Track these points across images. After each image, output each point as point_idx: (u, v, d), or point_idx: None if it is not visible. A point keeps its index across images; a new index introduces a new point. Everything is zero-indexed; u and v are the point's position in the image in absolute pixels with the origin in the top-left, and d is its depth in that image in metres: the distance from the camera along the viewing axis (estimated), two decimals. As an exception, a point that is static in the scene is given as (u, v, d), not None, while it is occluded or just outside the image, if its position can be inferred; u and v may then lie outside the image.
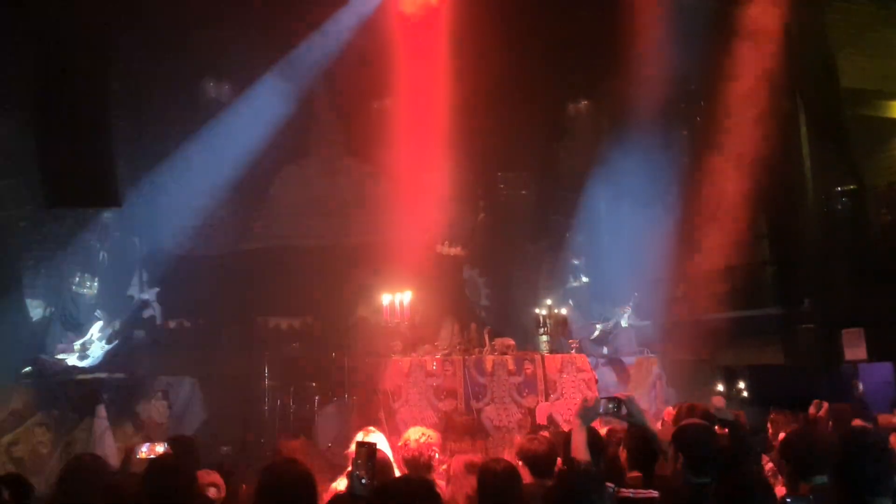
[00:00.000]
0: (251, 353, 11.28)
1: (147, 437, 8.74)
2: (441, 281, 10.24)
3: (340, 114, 13.58)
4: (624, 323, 12.06)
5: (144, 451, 4.95)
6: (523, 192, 14.24)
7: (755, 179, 10.90)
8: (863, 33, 11.99)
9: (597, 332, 11.78)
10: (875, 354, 10.05)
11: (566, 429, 5.63)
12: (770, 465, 5.27)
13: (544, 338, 8.86)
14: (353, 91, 12.76)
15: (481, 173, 13.68)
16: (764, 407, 8.06)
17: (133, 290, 11.17)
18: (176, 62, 11.27)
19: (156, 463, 4.27)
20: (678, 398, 9.29)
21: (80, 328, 10.37)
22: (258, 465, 4.31)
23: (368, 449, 3.70)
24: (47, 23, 9.42)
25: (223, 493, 4.73)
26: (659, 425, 5.73)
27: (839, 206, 11.74)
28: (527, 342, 9.33)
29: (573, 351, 9.05)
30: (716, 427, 4.71)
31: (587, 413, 4.59)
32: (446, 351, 8.60)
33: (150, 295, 11.04)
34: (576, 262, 13.17)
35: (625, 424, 4.97)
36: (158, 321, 11.33)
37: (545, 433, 5.49)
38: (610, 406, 4.57)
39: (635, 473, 4.57)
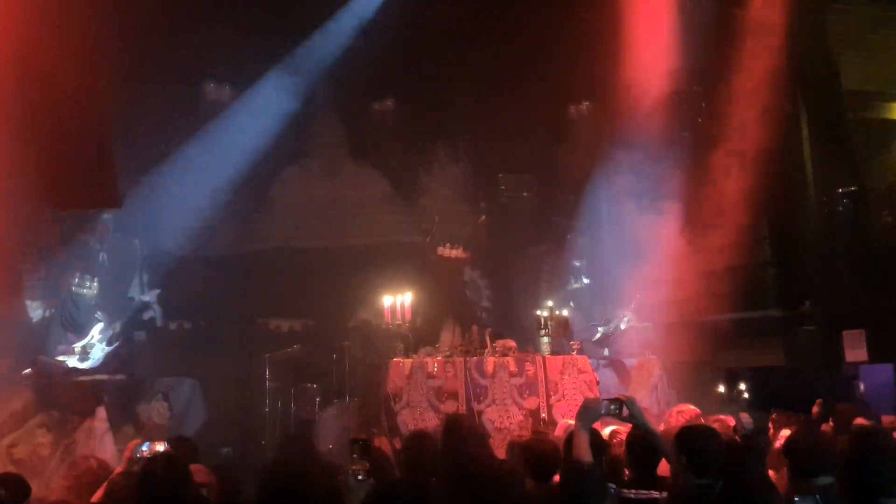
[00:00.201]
0: (252, 355, 11.26)
1: (147, 438, 8.68)
2: (442, 283, 10.23)
3: (341, 115, 13.58)
4: (624, 325, 12.04)
5: (145, 451, 4.94)
6: (525, 193, 14.24)
7: (756, 181, 10.91)
8: (864, 35, 11.99)
9: (598, 334, 11.75)
10: (876, 356, 10.05)
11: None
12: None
13: (545, 339, 8.86)
14: (353, 92, 12.76)
15: (483, 175, 13.68)
16: (765, 408, 8.05)
17: (133, 292, 11.13)
18: (176, 63, 11.26)
19: (152, 461, 4.27)
20: (679, 400, 9.27)
21: (80, 329, 10.33)
22: (259, 467, 4.30)
23: (363, 445, 3.69)
24: (48, 24, 9.41)
25: (213, 495, 4.71)
26: (661, 427, 5.73)
27: (840, 208, 11.73)
28: (528, 344, 9.32)
29: (574, 352, 9.05)
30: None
31: (589, 414, 4.58)
32: (447, 353, 8.60)
33: (150, 296, 10.99)
34: (577, 263, 13.14)
35: (627, 426, 4.95)
36: (159, 323, 11.30)
37: (546, 434, 5.48)
38: (612, 407, 4.56)
39: (635, 475, 4.56)
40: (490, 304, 13.44)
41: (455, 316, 9.97)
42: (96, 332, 10.21)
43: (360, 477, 3.60)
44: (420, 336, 9.02)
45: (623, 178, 12.39)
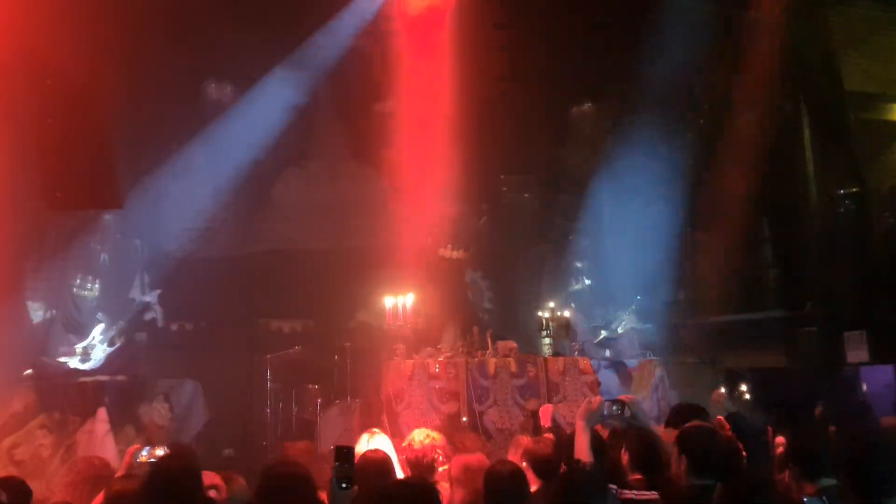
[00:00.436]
0: (253, 356, 11.26)
1: (148, 439, 8.72)
2: (443, 284, 10.22)
3: (343, 116, 13.58)
4: (625, 326, 12.04)
5: (145, 455, 4.93)
6: (526, 195, 14.24)
7: (758, 182, 10.91)
8: (866, 37, 12.00)
9: (599, 336, 11.76)
10: (877, 357, 10.05)
11: (569, 431, 5.62)
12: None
13: (547, 340, 8.86)
14: (355, 93, 12.76)
15: (484, 176, 13.67)
16: (766, 410, 8.06)
17: (134, 293, 11.15)
18: (178, 63, 11.27)
19: (160, 466, 4.25)
20: (680, 401, 9.27)
21: (81, 331, 10.35)
22: (260, 468, 4.29)
23: (347, 453, 3.68)
24: (49, 24, 9.42)
25: (224, 495, 4.71)
26: (661, 428, 5.72)
27: (842, 210, 11.73)
28: (529, 345, 9.31)
29: (576, 354, 9.05)
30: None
31: (590, 415, 4.58)
32: (449, 354, 8.59)
33: (151, 297, 11.02)
34: (578, 264, 13.14)
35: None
36: (160, 324, 11.32)
37: (549, 435, 5.48)
38: (613, 408, 4.57)
39: (637, 476, 4.56)
40: (491, 306, 13.44)
41: (456, 317, 9.96)
42: (97, 333, 10.23)
43: (343, 484, 3.59)
44: (421, 337, 9.01)
45: (625, 179, 12.38)
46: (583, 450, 4.39)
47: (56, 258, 10.65)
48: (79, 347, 10.12)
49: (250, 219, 13.13)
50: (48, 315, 10.61)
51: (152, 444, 5.50)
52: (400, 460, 5.12)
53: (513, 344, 8.72)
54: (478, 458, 4.67)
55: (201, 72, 12.27)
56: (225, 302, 11.98)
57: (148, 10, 10.19)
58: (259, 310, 12.53)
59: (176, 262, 11.63)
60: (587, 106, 13.99)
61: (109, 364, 10.08)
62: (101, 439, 8.90)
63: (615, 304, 12.35)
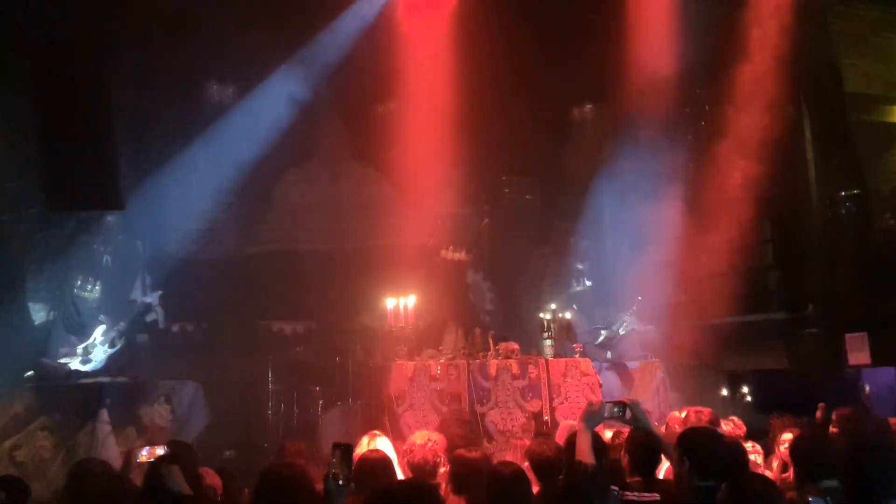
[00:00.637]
0: (254, 358, 11.27)
1: (150, 441, 8.70)
2: (445, 285, 10.23)
3: (344, 117, 13.59)
4: (626, 328, 12.03)
5: (145, 455, 4.94)
6: (528, 196, 14.25)
7: (759, 184, 10.91)
8: (867, 38, 11.99)
9: (601, 337, 11.75)
10: (879, 359, 10.03)
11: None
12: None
13: (548, 342, 8.85)
14: (357, 94, 12.77)
15: (486, 178, 13.68)
16: (768, 412, 8.04)
17: (136, 294, 11.16)
18: (179, 65, 11.28)
19: (156, 466, 4.25)
20: (682, 403, 9.27)
21: (82, 332, 10.35)
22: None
23: (345, 450, 3.68)
24: (50, 25, 9.43)
25: (220, 493, 4.71)
26: (663, 429, 5.72)
27: (843, 211, 11.70)
28: (531, 346, 9.31)
29: (577, 355, 9.04)
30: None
31: (592, 417, 4.58)
32: (450, 355, 8.59)
33: (153, 298, 11.02)
34: (580, 266, 13.15)
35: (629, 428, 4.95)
36: (161, 325, 11.33)
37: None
38: (615, 410, 4.57)
39: (636, 478, 4.56)
40: (493, 307, 13.45)
41: (458, 318, 9.96)
42: (98, 334, 10.23)
43: (340, 482, 3.60)
44: (423, 338, 9.01)
45: (626, 180, 12.38)
46: (584, 451, 4.39)
47: (58, 259, 10.65)
48: (80, 349, 10.12)
49: (252, 220, 13.14)
50: (49, 316, 10.61)
51: (153, 444, 5.51)
52: (401, 463, 5.12)
53: (514, 345, 8.72)
54: (479, 459, 4.66)
55: (203, 73, 12.28)
56: (226, 303, 11.99)
57: (150, 10, 10.20)
58: (260, 311, 12.54)
59: (177, 263, 11.64)
60: (588, 107, 14.00)
61: (111, 365, 10.07)
62: (102, 440, 8.89)
63: (616, 306, 12.34)
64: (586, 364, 8.71)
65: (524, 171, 14.21)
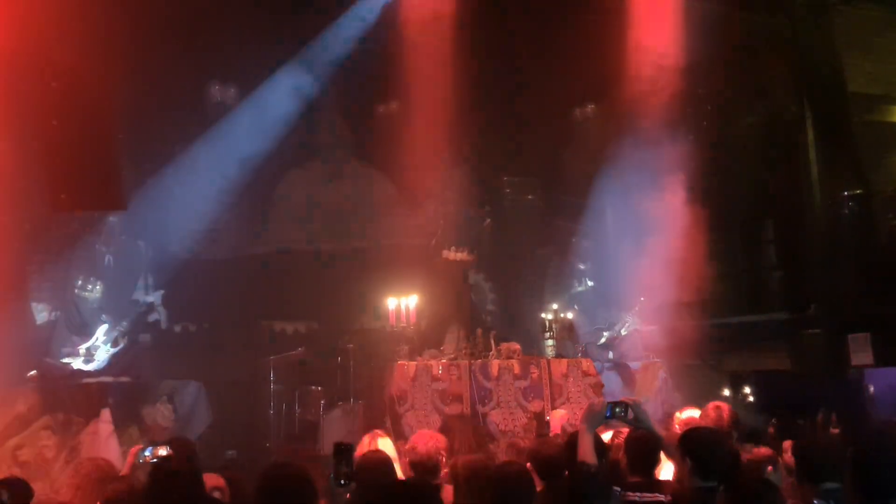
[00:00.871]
0: (256, 358, 11.27)
1: (152, 440, 8.70)
2: (447, 285, 10.22)
3: (346, 117, 13.59)
4: (628, 328, 12.02)
5: (148, 455, 4.94)
6: (529, 196, 14.25)
7: (762, 184, 10.90)
8: (870, 38, 11.98)
9: (602, 337, 11.75)
10: (882, 360, 10.02)
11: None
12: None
13: (550, 342, 8.87)
14: (358, 94, 12.78)
15: (487, 178, 13.68)
16: (770, 412, 8.04)
17: (138, 294, 11.15)
18: (182, 65, 11.28)
19: (161, 466, 4.25)
20: (684, 403, 9.26)
21: (84, 332, 10.36)
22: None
23: (347, 450, 3.69)
24: (54, 26, 9.44)
25: (227, 497, 4.71)
26: (664, 430, 5.71)
27: (846, 211, 11.70)
28: (532, 347, 9.32)
29: (579, 355, 9.05)
30: None
31: (594, 417, 4.58)
32: (452, 355, 8.59)
33: (155, 298, 11.01)
34: (581, 266, 13.14)
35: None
36: (164, 325, 11.32)
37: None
38: (617, 410, 4.56)
39: (636, 478, 4.56)
40: (494, 307, 13.45)
41: (460, 319, 9.97)
42: (101, 334, 10.23)
43: (342, 481, 3.61)
44: (425, 338, 9.02)
45: (627, 180, 12.37)
46: (586, 451, 4.39)
47: (60, 259, 10.66)
48: (82, 348, 10.12)
49: (254, 220, 13.15)
50: (52, 316, 10.62)
51: (156, 444, 5.51)
52: (403, 463, 5.12)
53: (516, 346, 8.73)
54: (481, 459, 4.67)
55: (205, 73, 12.29)
56: (228, 303, 11.99)
57: (153, 12, 10.20)
58: (262, 311, 12.54)
59: (180, 263, 11.64)
60: (590, 107, 13.99)
61: (113, 365, 10.08)
62: (104, 440, 8.90)
63: (618, 306, 12.34)
64: (588, 364, 8.72)
65: (526, 172, 14.20)
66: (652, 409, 9.05)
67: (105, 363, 10.10)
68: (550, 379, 8.33)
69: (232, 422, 10.62)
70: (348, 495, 3.71)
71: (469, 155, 12.38)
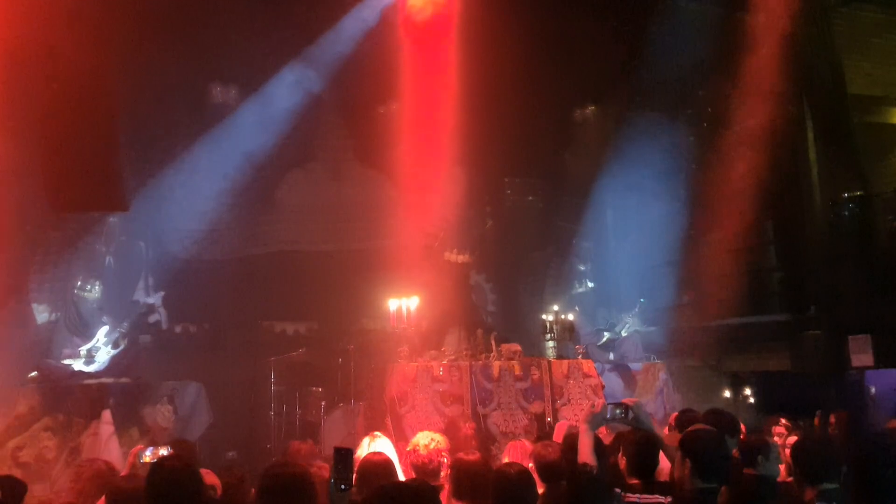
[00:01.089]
0: (257, 358, 11.28)
1: (153, 441, 8.72)
2: (448, 287, 10.22)
3: (347, 118, 13.60)
4: (629, 329, 12.04)
5: (148, 455, 4.94)
6: (530, 198, 14.27)
7: (762, 186, 10.90)
8: (869, 40, 11.98)
9: (603, 338, 11.76)
10: (882, 361, 10.02)
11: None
12: None
13: (551, 343, 8.87)
14: (359, 95, 12.78)
15: (488, 179, 13.69)
16: (770, 413, 8.05)
17: (139, 295, 11.16)
18: (183, 66, 11.29)
19: (160, 465, 4.25)
20: (685, 404, 9.28)
21: (84, 332, 10.37)
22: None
23: (346, 455, 3.69)
24: (55, 27, 9.45)
25: (219, 493, 4.71)
26: (665, 431, 5.71)
27: (846, 213, 11.69)
28: (533, 348, 9.33)
29: (580, 356, 9.05)
30: None
31: (594, 418, 4.58)
32: (453, 356, 8.59)
33: (155, 299, 11.03)
34: (582, 267, 13.15)
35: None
36: (164, 326, 11.34)
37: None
38: (617, 412, 4.56)
39: (634, 480, 4.56)
40: (495, 308, 13.46)
41: (460, 320, 9.98)
42: (102, 335, 10.24)
43: (342, 486, 3.60)
44: (425, 340, 9.02)
45: (628, 182, 12.38)
46: (587, 453, 4.40)
47: (61, 260, 10.67)
48: (83, 349, 10.14)
49: (254, 221, 13.16)
50: (53, 317, 10.63)
51: (156, 445, 5.51)
52: (405, 464, 5.12)
53: (517, 347, 8.73)
54: (479, 462, 4.66)
55: (206, 75, 12.30)
56: (229, 304, 12.01)
57: (153, 13, 10.21)
58: (263, 312, 12.55)
59: (180, 264, 11.66)
60: (590, 109, 14.00)
61: (114, 366, 10.10)
62: (105, 441, 8.91)
63: (619, 307, 12.35)
64: (589, 365, 8.72)
65: (526, 173, 14.22)
66: (652, 410, 9.08)
67: (106, 364, 10.11)
68: (551, 380, 8.33)
69: (232, 422, 10.64)
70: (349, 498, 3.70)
71: (469, 156, 12.38)
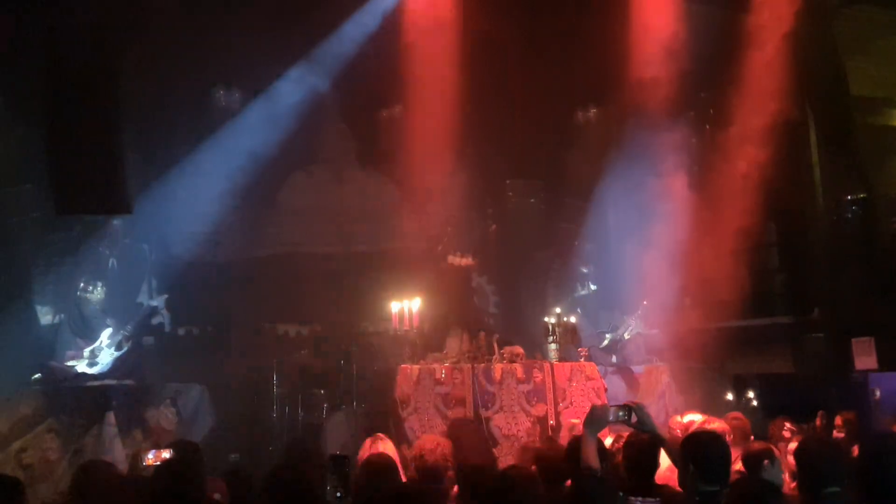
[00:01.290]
0: (259, 361, 11.29)
1: (155, 443, 8.73)
2: (450, 289, 10.23)
3: (350, 121, 13.62)
4: (631, 331, 12.02)
5: (151, 458, 4.96)
6: (532, 199, 14.26)
7: (765, 187, 10.89)
8: (872, 41, 11.97)
9: (606, 341, 11.74)
10: (885, 364, 10.01)
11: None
12: None
13: (553, 346, 8.85)
14: (362, 99, 12.80)
15: (490, 181, 13.69)
16: (773, 416, 8.04)
17: (142, 297, 11.17)
18: (186, 69, 11.32)
19: (163, 468, 4.27)
20: (687, 407, 9.26)
21: (87, 334, 10.39)
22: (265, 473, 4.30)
23: (342, 461, 3.71)
24: (58, 29, 9.48)
25: (226, 499, 4.72)
26: (666, 433, 5.72)
27: (849, 215, 11.68)
28: (535, 350, 9.31)
29: (582, 359, 9.03)
30: None
31: (597, 421, 4.59)
32: (455, 359, 8.59)
33: (159, 302, 11.03)
34: (584, 269, 13.13)
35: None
36: (167, 328, 11.34)
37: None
38: (620, 414, 4.57)
39: (635, 482, 4.56)
40: (497, 310, 13.45)
41: (462, 322, 9.98)
42: (105, 337, 10.25)
43: (338, 493, 3.62)
44: (428, 342, 9.02)
45: (630, 183, 12.37)
46: (590, 456, 4.40)
47: (64, 262, 10.69)
48: (86, 351, 10.16)
49: (258, 223, 13.18)
50: (56, 319, 10.66)
51: (159, 447, 5.52)
52: (408, 467, 5.13)
53: (519, 349, 8.72)
54: (485, 463, 4.67)
55: (209, 77, 12.32)
56: (232, 306, 12.03)
57: (157, 15, 10.24)
58: (266, 314, 12.56)
59: (183, 266, 11.67)
60: (592, 110, 14.00)
61: (117, 368, 10.11)
62: (108, 443, 8.93)
63: (621, 309, 12.33)
64: (591, 368, 8.72)
65: (529, 175, 14.21)
66: (655, 413, 9.05)
67: (109, 366, 10.13)
68: (554, 383, 8.32)
69: (235, 425, 10.65)
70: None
71: (472, 158, 12.39)
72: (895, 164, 12.75)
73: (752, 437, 6.60)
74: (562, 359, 8.75)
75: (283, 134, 12.08)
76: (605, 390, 8.70)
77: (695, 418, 6.48)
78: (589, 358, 9.23)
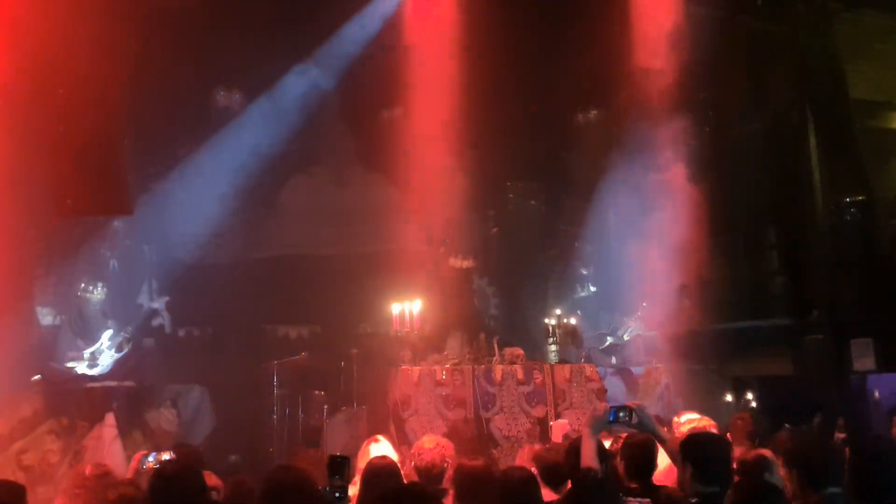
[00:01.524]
0: (260, 362, 11.29)
1: (156, 445, 8.75)
2: (450, 290, 10.24)
3: (351, 123, 13.63)
4: (631, 333, 12.03)
5: (151, 461, 4.96)
6: (532, 201, 14.27)
7: (765, 190, 10.91)
8: (871, 45, 12.00)
9: (605, 342, 11.75)
10: (884, 365, 10.03)
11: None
12: None
13: (553, 347, 8.87)
14: (363, 100, 12.81)
15: (491, 183, 13.70)
16: (773, 417, 8.06)
17: (143, 299, 11.19)
18: (187, 71, 11.33)
19: (162, 471, 4.27)
20: (686, 408, 9.27)
21: (89, 336, 10.39)
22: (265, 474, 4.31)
23: (341, 463, 3.71)
24: (60, 29, 9.49)
25: (221, 495, 4.73)
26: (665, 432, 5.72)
27: (848, 217, 11.71)
28: (535, 352, 9.33)
29: (582, 361, 9.05)
30: None
31: (597, 422, 4.59)
32: (455, 360, 8.60)
33: (159, 303, 11.05)
34: (584, 271, 13.15)
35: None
36: (168, 330, 11.36)
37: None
38: (621, 415, 4.57)
39: (633, 484, 4.57)
40: (497, 312, 13.46)
41: (463, 323, 9.99)
42: (105, 338, 10.26)
43: (337, 494, 3.64)
44: (428, 343, 9.03)
45: (630, 185, 12.39)
46: (590, 457, 4.41)
47: (65, 264, 10.70)
48: (87, 353, 10.16)
49: (258, 225, 13.17)
50: (57, 320, 10.66)
51: (160, 449, 5.53)
52: (408, 468, 5.14)
53: (519, 351, 8.73)
54: (482, 467, 4.67)
55: (210, 79, 12.33)
56: (232, 308, 12.01)
57: (158, 18, 10.25)
58: (266, 316, 12.56)
59: (184, 268, 11.67)
60: (593, 112, 14.01)
61: (117, 370, 10.11)
62: (108, 445, 8.93)
63: (621, 311, 12.35)
64: (591, 369, 8.74)
65: (529, 177, 14.22)
66: (654, 414, 9.06)
67: (109, 368, 10.13)
68: (554, 384, 8.34)
69: (235, 426, 10.65)
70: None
71: (472, 160, 12.39)
72: (894, 167, 12.77)
73: (756, 440, 6.61)
74: (562, 360, 8.78)
75: (283, 135, 12.09)
76: (605, 392, 8.72)
77: (693, 418, 6.49)
78: (589, 359, 9.25)
